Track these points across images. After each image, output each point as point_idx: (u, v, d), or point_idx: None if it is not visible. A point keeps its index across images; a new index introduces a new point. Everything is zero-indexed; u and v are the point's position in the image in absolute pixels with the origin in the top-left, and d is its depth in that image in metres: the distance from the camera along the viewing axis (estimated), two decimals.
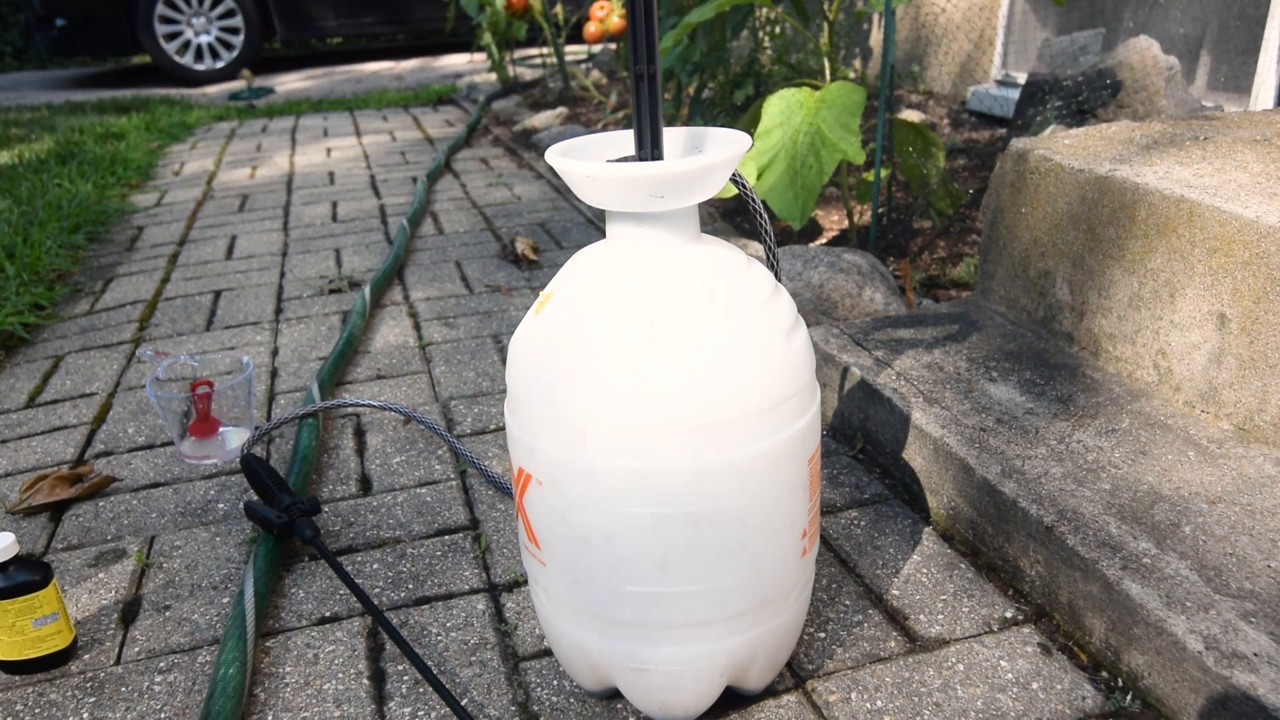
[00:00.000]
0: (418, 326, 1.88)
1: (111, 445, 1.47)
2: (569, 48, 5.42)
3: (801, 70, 2.76)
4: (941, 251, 2.06)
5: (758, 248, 1.93)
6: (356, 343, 1.78)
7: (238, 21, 6.28)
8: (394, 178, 3.21)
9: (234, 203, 2.98)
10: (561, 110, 3.90)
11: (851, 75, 3.78)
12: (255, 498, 1.27)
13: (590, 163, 0.75)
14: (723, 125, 2.39)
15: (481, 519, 1.23)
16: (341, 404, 1.44)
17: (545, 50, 4.69)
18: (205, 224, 2.75)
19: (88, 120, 4.55)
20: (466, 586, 1.10)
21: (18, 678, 1.00)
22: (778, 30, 3.05)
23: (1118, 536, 0.95)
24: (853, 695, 0.91)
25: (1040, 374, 1.29)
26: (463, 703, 0.92)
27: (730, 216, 2.46)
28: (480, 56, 6.46)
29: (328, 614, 1.07)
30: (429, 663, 0.98)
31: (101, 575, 1.16)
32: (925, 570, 1.09)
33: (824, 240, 2.20)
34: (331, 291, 2.10)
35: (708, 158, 0.74)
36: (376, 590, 1.10)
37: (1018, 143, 1.43)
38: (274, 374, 1.70)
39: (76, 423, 1.55)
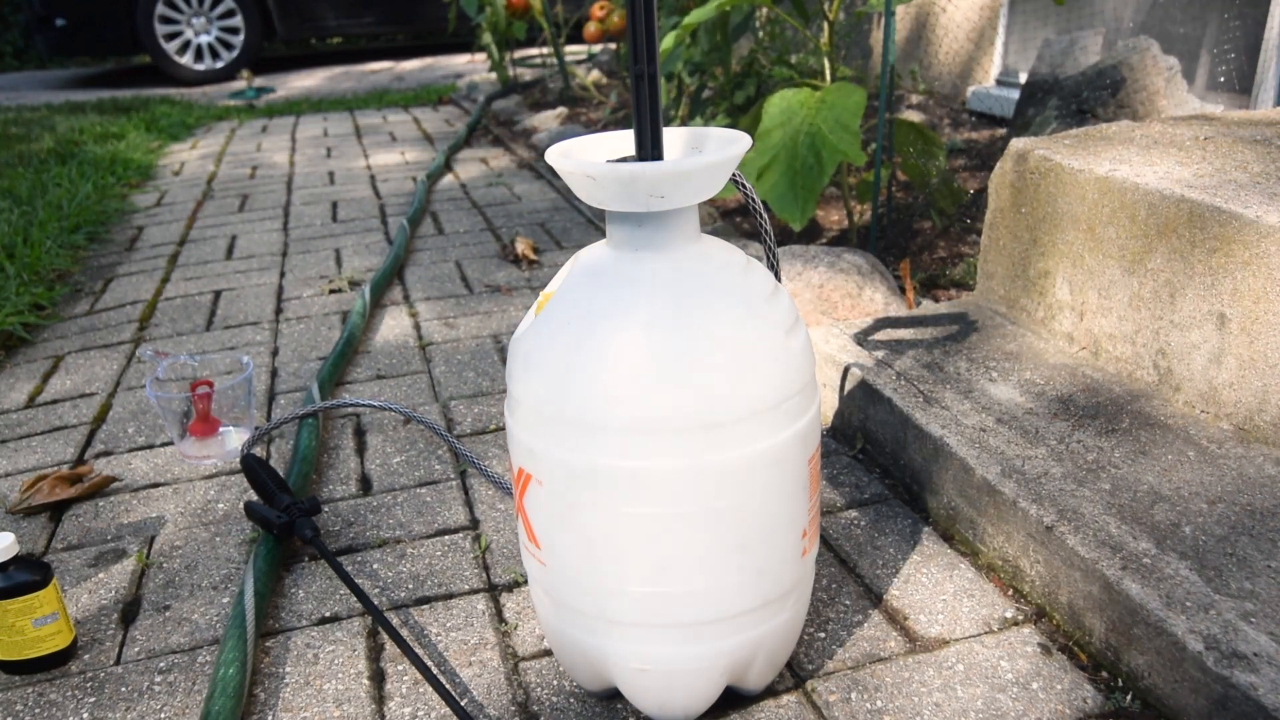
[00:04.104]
0: (418, 326, 1.88)
1: (111, 445, 1.47)
2: (569, 48, 5.42)
3: (802, 70, 2.76)
4: (941, 251, 2.06)
5: (758, 248, 1.93)
6: (356, 343, 1.78)
7: (238, 21, 6.28)
8: (394, 177, 3.21)
9: (234, 203, 2.98)
10: (561, 110, 3.90)
11: (851, 75, 3.77)
12: (255, 498, 1.27)
13: (590, 163, 0.75)
14: (723, 125, 2.40)
15: (481, 519, 1.23)
16: (341, 404, 1.44)
17: (545, 50, 4.70)
18: (205, 224, 2.75)
19: (88, 120, 4.55)
20: (466, 586, 1.10)
21: (18, 678, 1.00)
22: (778, 30, 3.05)
23: (1118, 536, 0.95)
24: (853, 695, 0.91)
25: (1040, 374, 1.29)
26: (463, 703, 0.92)
27: (730, 216, 2.46)
28: (480, 57, 6.46)
29: (328, 614, 1.07)
30: (429, 663, 0.98)
31: (101, 575, 1.16)
32: (925, 570, 1.09)
33: (824, 240, 2.20)
34: (331, 291, 2.10)
35: (708, 158, 0.74)
36: (376, 590, 1.10)
37: (1018, 143, 1.43)
38: (274, 374, 1.70)
39: (76, 423, 1.55)
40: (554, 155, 0.77)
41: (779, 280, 0.88)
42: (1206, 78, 2.55)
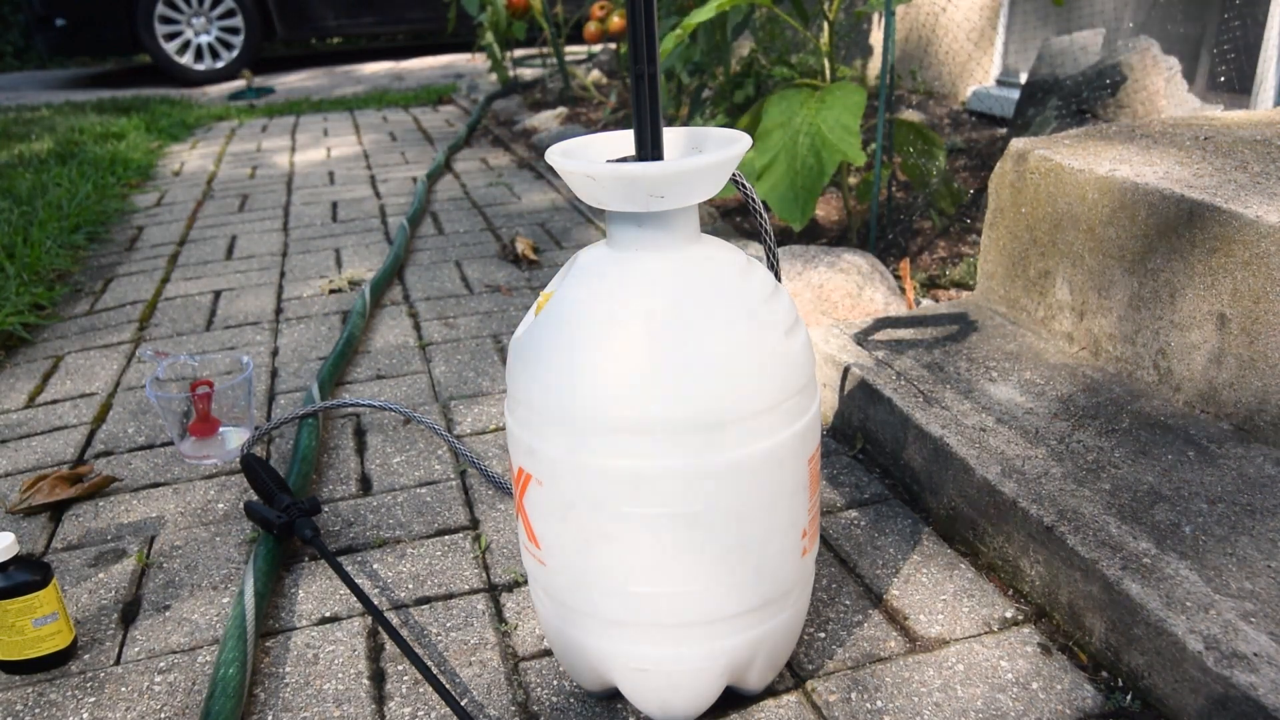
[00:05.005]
0: (418, 326, 1.88)
1: (111, 445, 1.47)
2: (569, 48, 5.42)
3: (802, 70, 2.76)
4: (941, 251, 2.06)
5: (758, 248, 1.93)
6: (356, 343, 1.78)
7: (238, 21, 6.28)
8: (394, 178, 3.21)
9: (234, 203, 2.98)
10: (561, 110, 3.90)
11: (851, 75, 3.77)
12: (255, 498, 1.27)
13: (590, 163, 0.75)
14: (722, 125, 2.39)
15: (481, 519, 1.23)
16: (341, 404, 1.44)
17: (545, 50, 4.70)
18: (205, 224, 2.75)
19: (88, 120, 4.55)
20: (466, 586, 1.10)
21: (18, 678, 1.00)
22: (777, 30, 3.05)
23: (1118, 536, 0.95)
24: (853, 695, 0.91)
25: (1040, 374, 1.29)
26: (463, 703, 0.92)
27: (730, 216, 2.46)
28: (480, 57, 6.46)
29: (328, 614, 1.07)
30: (429, 663, 0.98)
31: (101, 575, 1.16)
32: (925, 570, 1.09)
33: (824, 240, 2.20)
34: (331, 291, 2.10)
35: (708, 158, 0.74)
36: (376, 590, 1.10)
37: (1018, 143, 1.43)
38: (274, 374, 1.70)
39: (76, 423, 1.55)
40: (554, 155, 0.77)
41: (779, 280, 0.88)
42: (1206, 78, 2.55)
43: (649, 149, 0.76)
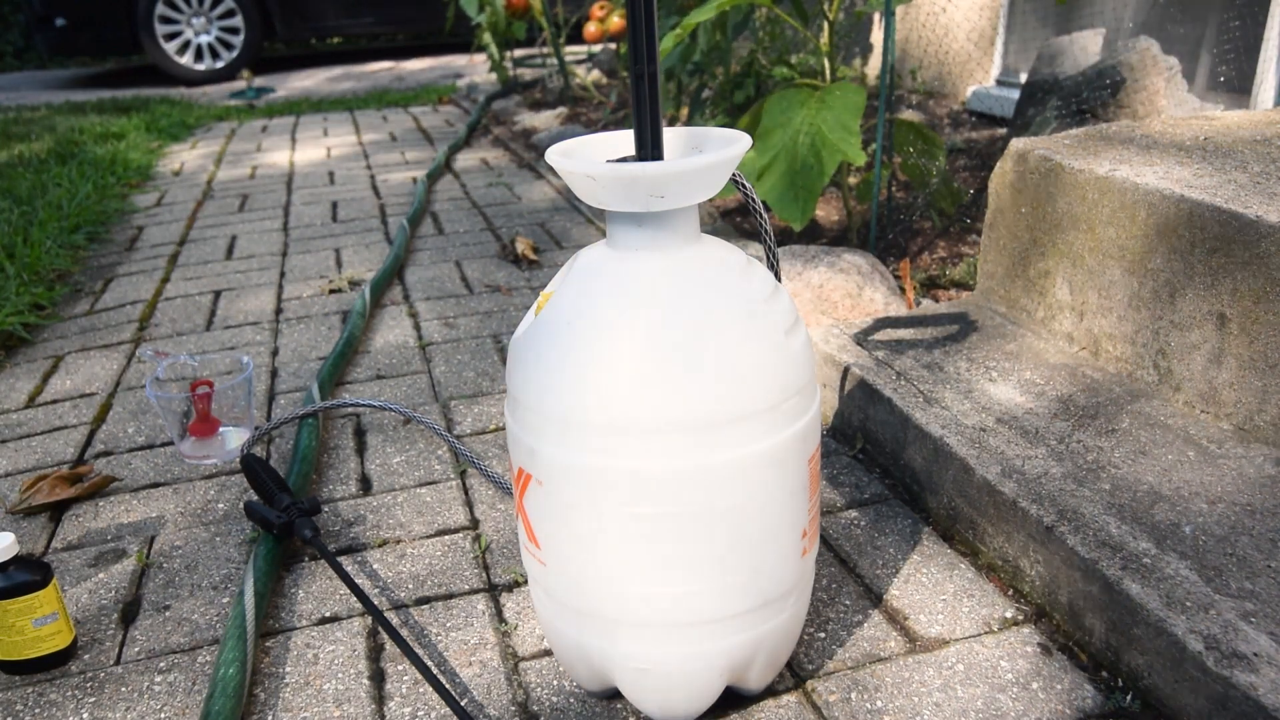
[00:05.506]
0: (418, 326, 1.88)
1: (111, 445, 1.47)
2: (569, 48, 5.42)
3: (802, 70, 2.76)
4: (941, 251, 2.06)
5: (758, 248, 1.93)
6: (356, 343, 1.78)
7: (238, 21, 6.28)
8: (394, 178, 3.21)
9: (234, 202, 2.98)
10: (561, 110, 3.90)
11: (851, 75, 3.77)
12: (255, 498, 1.27)
13: (589, 163, 0.75)
14: (722, 125, 2.39)
15: (481, 519, 1.23)
16: (341, 404, 1.44)
17: (545, 50, 4.70)
18: (205, 224, 2.75)
19: (88, 120, 4.55)
20: (466, 586, 1.10)
21: (18, 678, 1.00)
22: (778, 30, 3.04)
23: (1118, 536, 0.95)
24: (853, 695, 0.91)
25: (1040, 374, 1.29)
26: (463, 703, 0.92)
27: (730, 216, 2.46)
28: (480, 57, 6.46)
29: (328, 614, 1.07)
30: (429, 663, 0.98)
31: (101, 575, 1.16)
32: (925, 570, 1.09)
33: (824, 240, 2.20)
34: (331, 291, 2.10)
35: (708, 158, 0.74)
36: (376, 590, 1.10)
37: (1018, 143, 1.43)
38: (274, 374, 1.70)
39: (76, 423, 1.55)
40: (554, 155, 0.77)
41: (779, 280, 0.88)
42: (1206, 78, 2.55)
43: (649, 149, 0.76)
